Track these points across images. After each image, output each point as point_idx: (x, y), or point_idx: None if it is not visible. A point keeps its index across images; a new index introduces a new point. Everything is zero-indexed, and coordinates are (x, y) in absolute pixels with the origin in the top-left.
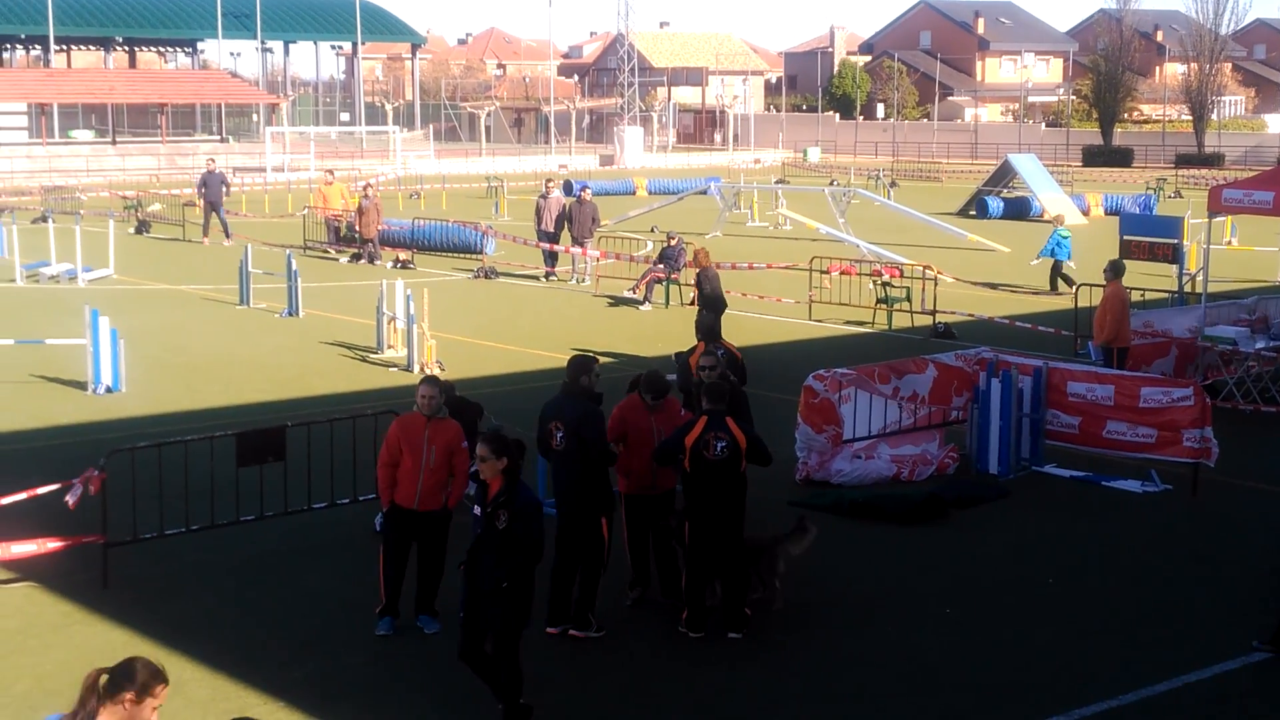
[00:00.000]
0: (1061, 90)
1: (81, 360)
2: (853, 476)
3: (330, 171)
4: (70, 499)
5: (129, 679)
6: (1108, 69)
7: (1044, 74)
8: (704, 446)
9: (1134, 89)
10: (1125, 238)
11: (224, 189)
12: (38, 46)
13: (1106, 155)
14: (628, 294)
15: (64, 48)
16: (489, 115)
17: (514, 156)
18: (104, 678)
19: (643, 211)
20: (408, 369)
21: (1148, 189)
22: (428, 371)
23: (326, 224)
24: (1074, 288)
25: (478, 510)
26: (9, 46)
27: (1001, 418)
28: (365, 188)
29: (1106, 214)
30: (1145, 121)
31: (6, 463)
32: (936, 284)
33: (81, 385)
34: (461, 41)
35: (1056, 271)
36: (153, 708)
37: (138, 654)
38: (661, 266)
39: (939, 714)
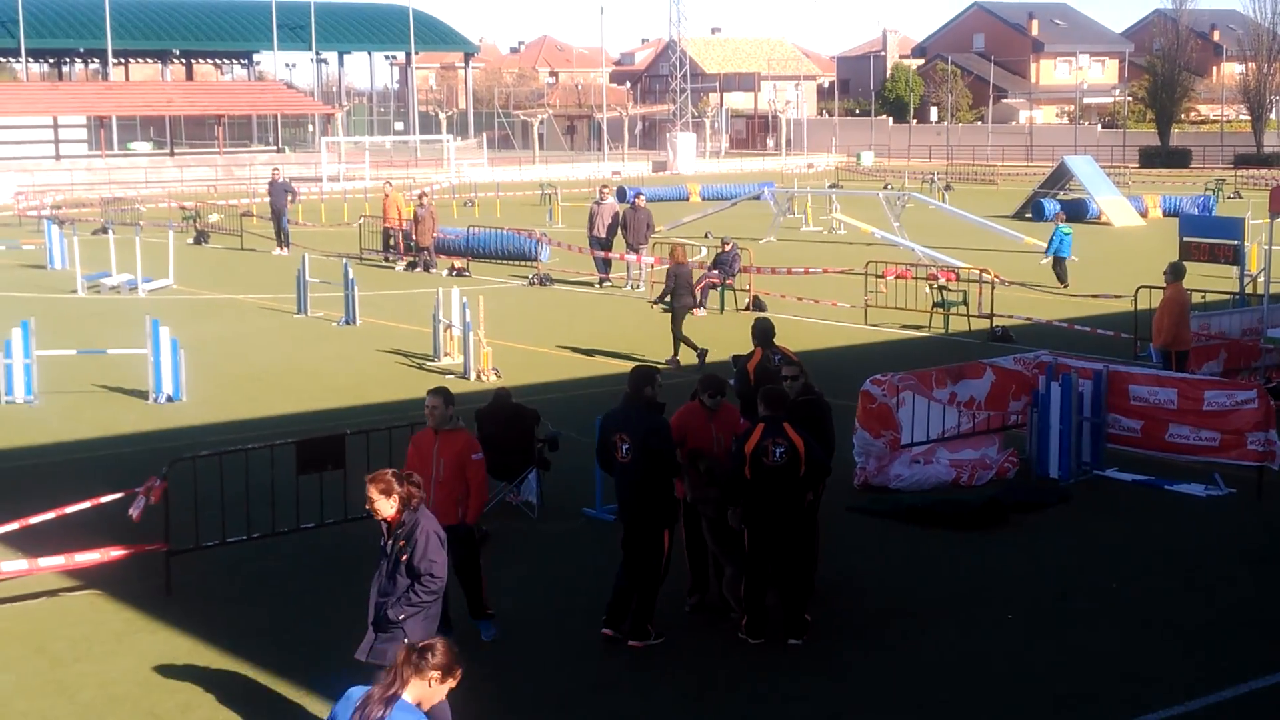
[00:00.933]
0: (1117, 91)
1: (143, 370)
2: (911, 482)
3: (388, 182)
4: (134, 511)
5: (438, 658)
6: (1164, 69)
7: (1099, 75)
8: (763, 453)
9: (1191, 89)
10: (1185, 239)
11: (288, 197)
12: (96, 60)
13: (1164, 156)
14: None
15: (122, 61)
16: (542, 123)
17: (567, 164)
18: (414, 654)
19: (696, 217)
20: (464, 376)
21: (1206, 190)
22: (485, 378)
23: (384, 233)
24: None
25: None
26: (68, 60)
27: (1062, 421)
28: (420, 196)
29: (1165, 215)
30: (1203, 122)
31: (70, 472)
32: (993, 287)
33: (143, 395)
34: (514, 50)
35: (1060, 266)
36: (449, 688)
37: (199, 660)
38: (716, 272)
39: (1002, 717)
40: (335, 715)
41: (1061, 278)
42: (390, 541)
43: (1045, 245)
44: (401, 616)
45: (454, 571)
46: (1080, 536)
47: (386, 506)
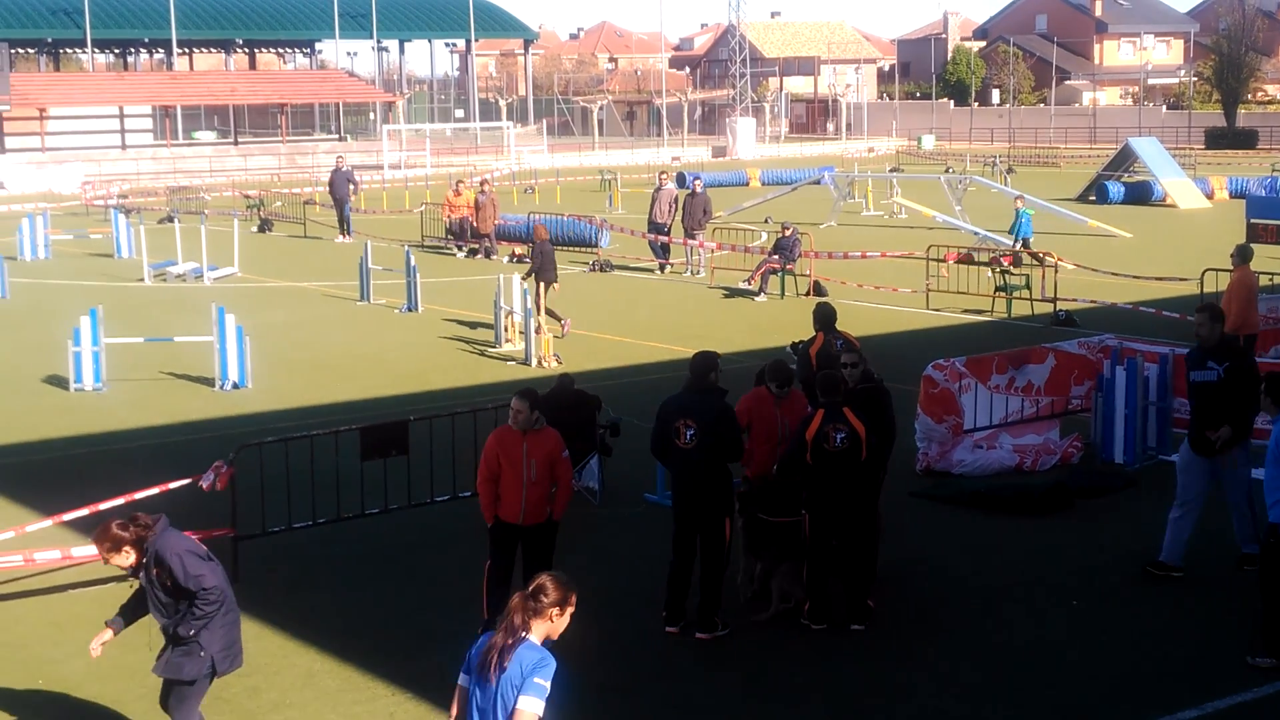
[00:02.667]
0: (1182, 72)
1: (209, 357)
2: (974, 467)
3: (460, 181)
4: (204, 483)
5: (551, 595)
6: (1230, 49)
7: (1164, 56)
8: (824, 439)
9: (1258, 69)
10: (1252, 221)
11: (350, 187)
12: (161, 50)
13: (1230, 137)
14: (743, 285)
15: (186, 50)
16: (601, 109)
17: (626, 149)
18: (528, 599)
19: (756, 202)
20: (525, 363)
21: (1274, 171)
22: (546, 365)
23: (448, 221)
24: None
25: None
26: (134, 50)
27: (1127, 406)
28: (481, 183)
29: (1231, 197)
30: (1270, 102)
31: (138, 458)
32: (1057, 271)
33: (209, 382)
34: (573, 36)
35: (1025, 247)
36: (570, 615)
37: (265, 645)
38: (776, 257)
39: (1068, 705)
40: (469, 659)
41: (1020, 259)
42: (143, 571)
43: (1013, 229)
44: (191, 632)
45: (527, 571)
46: (1146, 522)
47: (124, 559)
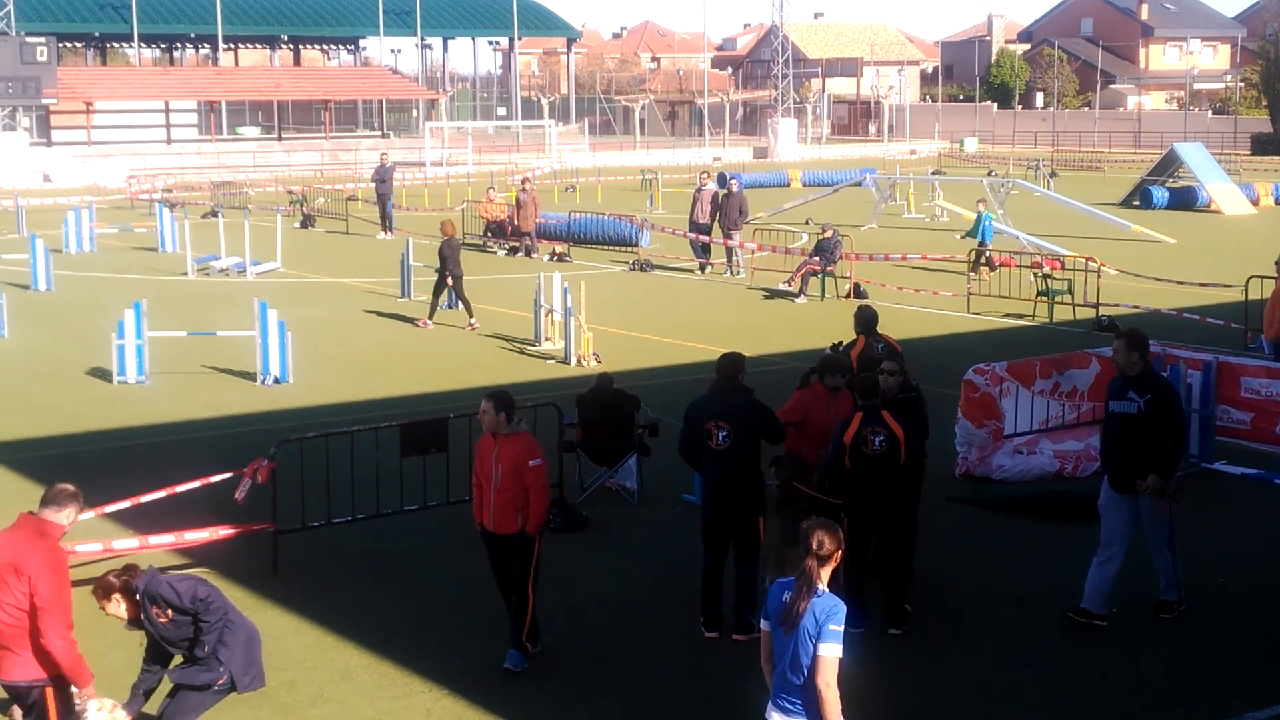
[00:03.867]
0: (1229, 77)
1: (251, 352)
2: (1014, 472)
3: (490, 188)
4: (239, 495)
5: (828, 545)
6: (1277, 55)
7: (1210, 60)
8: (862, 442)
9: None
10: None
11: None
12: (206, 46)
13: (1276, 143)
14: (783, 286)
15: (231, 46)
16: (643, 108)
17: (668, 149)
18: (816, 559)
19: (797, 204)
20: (565, 361)
21: None
22: (585, 363)
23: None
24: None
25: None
26: (179, 46)
27: None
28: (523, 182)
29: (1277, 203)
30: None
31: (181, 451)
32: (1099, 276)
33: (251, 376)
34: (616, 35)
35: (980, 252)
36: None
37: (304, 639)
38: (817, 259)
39: (1110, 714)
40: (768, 608)
41: (976, 265)
42: (146, 624)
43: (973, 232)
44: (207, 649)
45: (500, 584)
46: (1188, 530)
47: (117, 608)
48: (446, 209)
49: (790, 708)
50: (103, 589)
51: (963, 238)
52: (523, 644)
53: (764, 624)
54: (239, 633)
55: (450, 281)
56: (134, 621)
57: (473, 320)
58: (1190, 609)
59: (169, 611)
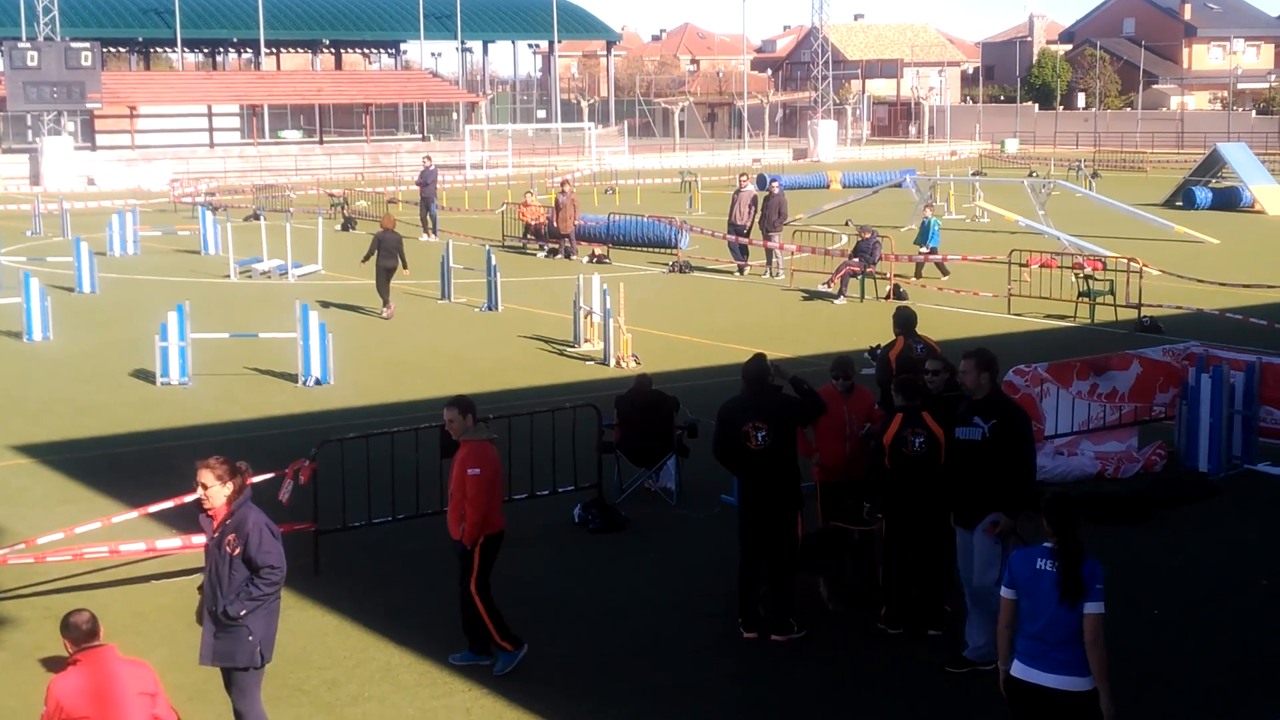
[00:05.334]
0: (1273, 77)
1: (292, 353)
2: (1055, 473)
3: (528, 193)
4: (283, 496)
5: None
6: None
7: (1254, 60)
8: (902, 443)
9: None
10: None
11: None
12: (249, 50)
13: None
14: (822, 288)
15: (273, 51)
16: (683, 110)
17: (707, 151)
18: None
19: (837, 205)
20: (604, 363)
21: None
22: (625, 365)
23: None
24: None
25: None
26: (222, 50)
27: (1212, 414)
28: (562, 184)
29: None
30: None
31: (223, 452)
32: (1141, 277)
33: (292, 378)
34: (655, 38)
35: (925, 258)
36: None
37: (345, 638)
38: (857, 260)
39: (1151, 716)
40: (1013, 575)
41: (919, 271)
42: (219, 535)
43: (920, 239)
44: (243, 612)
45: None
46: (1230, 531)
47: (219, 495)
48: (486, 211)
49: (1051, 665)
50: (220, 472)
51: (916, 243)
52: (486, 647)
53: (1007, 592)
54: (273, 606)
55: (381, 269)
56: (212, 526)
57: (384, 310)
58: (1237, 608)
59: (239, 549)
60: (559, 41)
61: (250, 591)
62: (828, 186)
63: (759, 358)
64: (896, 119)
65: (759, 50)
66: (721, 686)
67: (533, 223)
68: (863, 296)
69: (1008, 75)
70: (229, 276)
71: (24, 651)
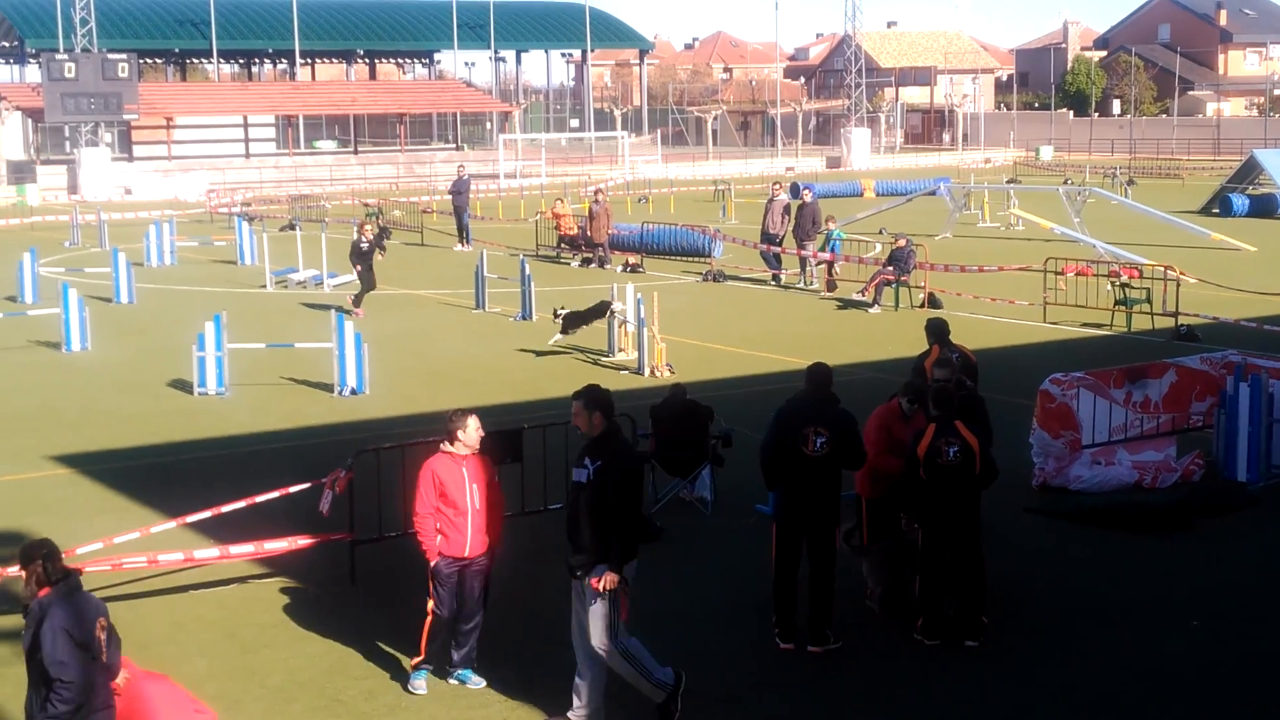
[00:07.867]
0: None
1: (328, 363)
2: (1092, 483)
3: (559, 200)
4: (324, 506)
5: None
6: None
7: None
8: (936, 453)
9: None
10: None
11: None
12: (284, 61)
13: None
14: (856, 296)
15: (308, 61)
16: (715, 119)
17: (740, 160)
18: None
19: (871, 213)
20: (639, 372)
21: None
22: (659, 374)
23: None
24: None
25: None
26: (257, 61)
27: (1251, 423)
28: (596, 193)
29: None
30: None
31: (260, 462)
32: (1178, 285)
33: (328, 387)
34: (688, 46)
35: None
36: None
37: (381, 648)
38: (891, 269)
39: None
40: None
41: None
42: (25, 632)
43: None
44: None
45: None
46: (1269, 541)
47: (23, 587)
48: (520, 220)
49: None
50: (25, 557)
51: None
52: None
53: None
54: None
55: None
56: (24, 611)
57: (357, 309)
58: (1270, 620)
59: (36, 653)
60: (592, 50)
61: (47, 708)
62: (861, 195)
63: (823, 364)
64: (930, 127)
65: (792, 58)
66: (757, 696)
67: (567, 233)
68: (897, 305)
69: (1042, 82)
70: (265, 286)
71: None
